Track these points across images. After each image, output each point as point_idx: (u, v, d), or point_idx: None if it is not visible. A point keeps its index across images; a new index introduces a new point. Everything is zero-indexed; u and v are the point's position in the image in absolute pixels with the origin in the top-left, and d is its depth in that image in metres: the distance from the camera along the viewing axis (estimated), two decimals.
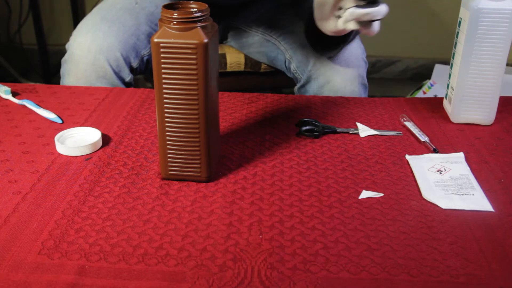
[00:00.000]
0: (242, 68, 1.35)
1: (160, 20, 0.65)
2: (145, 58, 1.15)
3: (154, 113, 0.92)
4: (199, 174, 0.70)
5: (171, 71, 0.64)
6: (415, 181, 0.72)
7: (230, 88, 1.11)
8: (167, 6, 0.65)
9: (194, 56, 0.63)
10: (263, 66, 1.34)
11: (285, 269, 0.56)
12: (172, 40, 0.63)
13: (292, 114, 0.92)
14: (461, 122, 0.89)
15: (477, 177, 0.73)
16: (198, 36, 0.63)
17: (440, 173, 0.74)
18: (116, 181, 0.71)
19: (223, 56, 1.33)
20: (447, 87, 0.93)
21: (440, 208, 0.67)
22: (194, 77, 0.64)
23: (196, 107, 0.66)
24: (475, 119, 0.89)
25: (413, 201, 0.68)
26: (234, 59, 1.34)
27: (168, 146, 0.69)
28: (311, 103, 0.97)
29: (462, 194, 0.69)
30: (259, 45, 1.26)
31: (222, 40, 1.35)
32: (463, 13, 0.85)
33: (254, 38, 1.26)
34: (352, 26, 0.82)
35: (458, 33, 0.88)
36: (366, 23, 0.81)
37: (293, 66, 1.15)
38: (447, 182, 0.72)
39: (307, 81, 1.12)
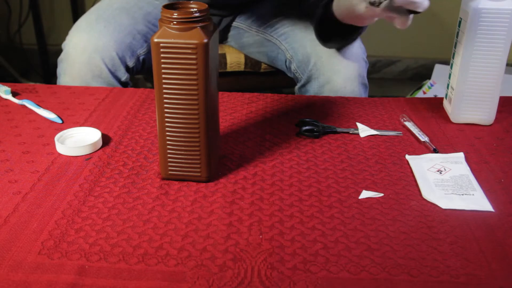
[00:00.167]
0: (242, 68, 1.35)
1: (160, 20, 0.65)
2: (141, 58, 1.15)
3: (154, 113, 0.92)
4: (199, 174, 0.70)
5: (171, 71, 0.64)
6: (415, 181, 0.72)
7: (230, 88, 1.11)
8: (167, 6, 0.65)
9: (194, 56, 0.63)
10: (263, 66, 1.34)
11: (285, 269, 0.56)
12: (172, 40, 0.63)
13: (292, 114, 0.92)
14: (461, 122, 0.89)
15: (477, 177, 0.73)
16: (198, 36, 0.63)
17: (440, 173, 0.74)
18: (116, 181, 0.71)
19: (223, 56, 1.33)
20: (447, 87, 0.93)
21: (440, 208, 0.67)
22: (194, 77, 0.64)
23: (196, 107, 0.66)
24: (475, 119, 0.89)
25: (413, 201, 0.68)
26: (234, 59, 1.34)
27: (168, 146, 0.69)
28: (311, 103, 0.97)
29: (462, 194, 0.69)
30: (259, 45, 1.26)
31: (222, 40, 1.35)
32: (463, 13, 0.85)
33: (255, 38, 1.26)
34: (390, 13, 0.81)
35: (458, 33, 0.88)
36: (404, 13, 0.79)
37: (293, 66, 1.15)
38: (447, 182, 0.72)
39: (308, 81, 1.12)
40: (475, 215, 0.65)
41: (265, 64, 1.33)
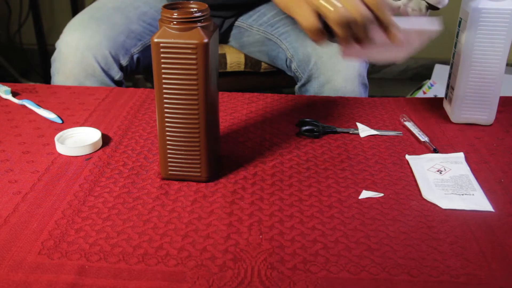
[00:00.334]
0: (242, 68, 1.35)
1: (160, 20, 0.65)
2: (135, 56, 1.15)
3: (154, 113, 0.92)
4: (199, 174, 0.70)
5: (171, 71, 0.64)
6: (415, 181, 0.72)
7: (230, 88, 1.11)
8: (167, 6, 0.65)
9: (194, 56, 0.63)
10: (263, 66, 1.34)
11: (285, 269, 0.56)
12: (172, 40, 0.63)
13: (292, 114, 0.92)
14: (461, 122, 0.89)
15: (477, 177, 0.73)
16: (198, 36, 0.63)
17: (440, 173, 0.74)
18: (116, 181, 0.71)
19: (223, 56, 1.33)
20: (447, 87, 0.93)
21: (440, 208, 0.67)
22: (194, 77, 0.64)
23: (196, 107, 0.66)
24: (475, 119, 0.89)
25: (413, 201, 0.68)
26: (234, 59, 1.34)
27: (168, 146, 0.69)
28: (311, 103, 0.97)
29: (462, 194, 0.69)
30: (260, 44, 1.26)
31: (225, 41, 1.35)
32: (463, 13, 0.85)
33: (255, 37, 1.26)
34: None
35: (458, 33, 0.88)
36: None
37: (294, 65, 1.15)
38: (447, 182, 0.72)
39: (308, 80, 1.12)
40: (475, 215, 0.65)
41: (266, 63, 1.33)
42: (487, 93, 0.86)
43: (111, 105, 0.95)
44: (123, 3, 1.18)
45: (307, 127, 0.84)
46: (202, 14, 0.64)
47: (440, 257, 0.58)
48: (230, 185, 0.71)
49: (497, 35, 0.82)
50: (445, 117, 0.92)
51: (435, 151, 0.80)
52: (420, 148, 0.81)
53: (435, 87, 2.06)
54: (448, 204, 0.67)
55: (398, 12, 0.84)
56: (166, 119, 0.67)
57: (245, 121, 0.90)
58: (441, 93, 1.99)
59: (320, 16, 0.65)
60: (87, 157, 0.77)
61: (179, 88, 0.65)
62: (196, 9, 0.66)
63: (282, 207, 0.66)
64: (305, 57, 1.12)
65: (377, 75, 2.53)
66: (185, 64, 0.63)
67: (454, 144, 0.83)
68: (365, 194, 0.69)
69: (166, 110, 0.66)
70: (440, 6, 0.78)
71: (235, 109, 0.94)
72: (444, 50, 2.22)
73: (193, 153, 0.69)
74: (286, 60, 1.19)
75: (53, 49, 1.11)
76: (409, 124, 0.87)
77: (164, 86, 0.65)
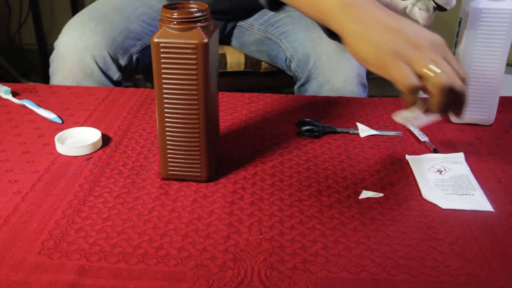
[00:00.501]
0: (242, 68, 1.35)
1: (160, 20, 0.65)
2: (134, 57, 1.15)
3: (154, 113, 0.92)
4: (199, 174, 0.70)
5: (171, 71, 0.64)
6: (415, 181, 0.72)
7: (230, 88, 1.11)
8: (167, 6, 0.65)
9: (194, 56, 0.63)
10: (263, 66, 1.34)
11: (285, 269, 0.56)
12: (172, 40, 0.63)
13: (292, 114, 0.92)
14: (461, 122, 0.89)
15: (477, 177, 0.73)
16: (198, 36, 0.63)
17: (440, 173, 0.74)
18: (116, 181, 0.71)
19: (223, 56, 1.33)
20: None
21: (440, 208, 0.67)
22: (194, 77, 0.64)
23: (196, 107, 0.66)
24: (475, 119, 0.89)
25: (413, 201, 0.68)
26: (234, 59, 1.34)
27: (168, 146, 0.69)
28: (311, 103, 0.97)
29: (462, 194, 0.69)
30: (260, 43, 1.26)
31: (227, 43, 1.35)
32: (463, 13, 0.85)
33: (256, 36, 1.26)
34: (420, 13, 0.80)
35: (458, 33, 0.88)
36: (431, 9, 0.79)
37: (293, 65, 1.15)
38: (447, 182, 0.72)
39: (307, 80, 1.12)
40: (475, 215, 0.65)
41: (266, 63, 1.33)
42: (487, 93, 0.86)
43: (111, 105, 0.95)
44: (123, 3, 1.18)
45: (307, 127, 0.84)
46: (202, 14, 0.64)
47: (440, 257, 0.58)
48: (230, 185, 0.71)
49: (497, 35, 0.82)
50: (445, 117, 0.92)
51: (435, 151, 0.80)
52: (420, 148, 0.81)
53: None
54: (448, 204, 0.67)
55: (405, 12, 0.84)
56: (166, 119, 0.67)
57: (245, 121, 0.90)
58: None
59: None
60: (87, 157, 0.77)
61: (179, 88, 0.65)
62: (196, 9, 0.66)
63: (282, 207, 0.66)
64: (304, 57, 1.12)
65: (377, 75, 2.53)
66: (185, 64, 0.63)
67: (454, 144, 0.83)
68: (365, 194, 0.69)
69: (166, 110, 0.66)
70: (448, 7, 0.78)
71: (235, 109, 0.94)
72: None
73: (193, 153, 0.69)
74: (286, 60, 1.19)
75: (53, 49, 1.11)
76: (409, 124, 0.87)
77: (164, 86, 0.65)
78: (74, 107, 0.94)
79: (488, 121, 0.88)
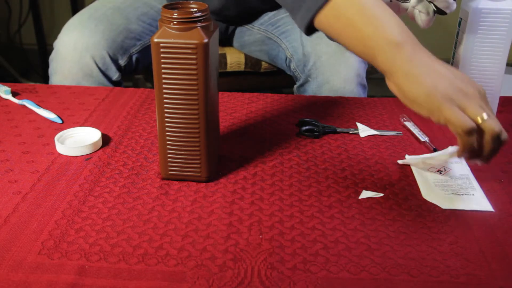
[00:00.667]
0: (242, 68, 1.35)
1: (160, 20, 0.65)
2: (134, 57, 1.14)
3: (154, 113, 0.92)
4: (199, 174, 0.70)
5: (171, 71, 0.64)
6: (415, 181, 0.72)
7: (230, 88, 1.11)
8: (167, 6, 0.65)
9: (194, 56, 0.63)
10: (263, 66, 1.34)
11: (285, 269, 0.56)
12: (172, 40, 0.63)
13: (292, 114, 0.92)
14: None
15: (477, 177, 0.73)
16: (198, 36, 0.63)
17: (440, 173, 0.74)
18: (116, 181, 0.71)
19: (223, 56, 1.33)
20: None
21: (440, 208, 0.67)
22: (194, 77, 0.64)
23: (196, 107, 0.66)
24: None
25: (413, 201, 0.68)
26: (234, 59, 1.34)
27: (168, 146, 0.69)
28: (311, 103, 0.97)
29: (462, 194, 0.69)
30: (260, 43, 1.26)
31: (229, 44, 1.35)
32: (463, 13, 0.85)
33: (256, 36, 1.26)
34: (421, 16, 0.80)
35: (458, 33, 0.88)
36: (431, 12, 0.79)
37: (293, 65, 1.15)
38: (447, 182, 0.72)
39: (306, 80, 1.12)
40: (475, 215, 0.65)
41: (266, 63, 1.33)
42: (487, 93, 0.86)
43: (111, 105, 0.95)
44: (123, 3, 1.17)
45: (307, 127, 0.84)
46: (202, 14, 0.64)
47: (440, 257, 0.58)
48: (230, 185, 0.71)
49: (497, 35, 0.82)
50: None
51: (435, 151, 0.80)
52: (420, 148, 0.81)
53: None
54: (448, 204, 0.67)
55: (406, 14, 0.85)
56: (166, 119, 0.67)
57: (245, 121, 0.90)
58: None
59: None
60: (87, 157, 0.77)
61: (179, 88, 0.65)
62: (196, 9, 0.66)
63: (282, 207, 0.66)
64: (304, 57, 1.12)
65: (377, 75, 2.53)
66: (185, 64, 0.63)
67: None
68: (365, 194, 0.69)
69: (166, 110, 0.66)
70: (448, 11, 0.78)
71: (235, 109, 0.94)
72: (444, 50, 2.22)
73: (193, 153, 0.69)
74: (286, 60, 1.19)
75: (53, 49, 1.11)
76: (409, 124, 0.87)
77: (164, 86, 0.65)
78: (74, 107, 0.94)
79: None
